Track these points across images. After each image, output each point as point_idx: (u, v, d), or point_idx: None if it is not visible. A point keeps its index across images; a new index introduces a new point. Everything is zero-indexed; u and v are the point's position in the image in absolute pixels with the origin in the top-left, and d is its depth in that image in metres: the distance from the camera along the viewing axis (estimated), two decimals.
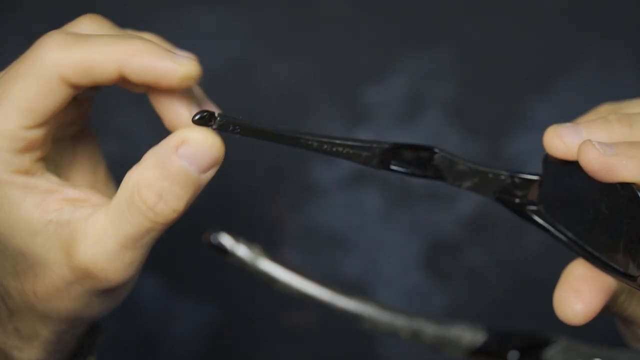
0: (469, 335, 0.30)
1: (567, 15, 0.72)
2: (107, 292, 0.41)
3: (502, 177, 0.41)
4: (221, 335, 0.77)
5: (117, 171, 0.77)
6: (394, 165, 0.41)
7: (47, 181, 0.41)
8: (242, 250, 0.33)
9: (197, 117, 0.38)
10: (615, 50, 0.72)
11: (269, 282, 0.32)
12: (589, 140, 0.38)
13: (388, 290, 0.76)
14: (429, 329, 0.31)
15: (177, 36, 0.75)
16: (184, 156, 0.39)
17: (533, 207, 0.41)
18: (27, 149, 0.40)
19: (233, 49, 0.73)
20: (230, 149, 0.44)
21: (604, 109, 0.43)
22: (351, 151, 0.41)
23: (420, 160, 0.42)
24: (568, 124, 0.39)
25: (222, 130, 0.38)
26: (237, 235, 0.33)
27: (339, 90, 0.74)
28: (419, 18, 0.74)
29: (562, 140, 0.39)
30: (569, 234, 0.40)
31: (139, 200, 0.39)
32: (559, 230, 0.40)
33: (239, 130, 0.39)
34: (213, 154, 0.39)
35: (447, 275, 0.76)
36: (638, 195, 0.37)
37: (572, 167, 0.39)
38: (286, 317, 0.77)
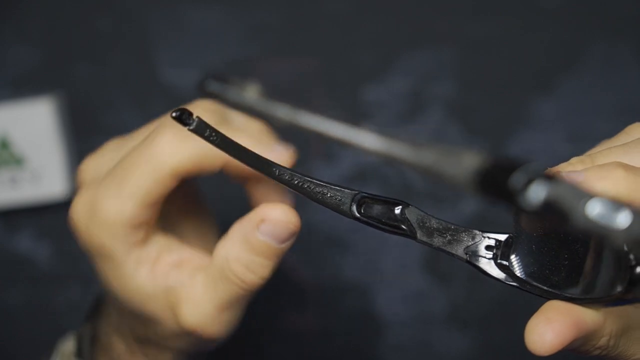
0: (472, 156, 0.28)
1: (571, 13, 0.72)
2: (205, 345, 0.48)
3: (474, 235, 0.41)
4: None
5: None
6: (363, 215, 0.41)
7: (156, 246, 0.47)
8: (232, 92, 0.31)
9: (174, 115, 0.37)
10: (619, 49, 0.72)
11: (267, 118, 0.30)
12: (559, 171, 0.39)
13: (388, 290, 0.76)
14: (431, 150, 0.28)
15: (175, 35, 0.74)
16: (264, 232, 0.44)
17: (504, 265, 0.40)
18: (141, 225, 0.46)
19: (232, 48, 0.73)
20: None
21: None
22: (326, 193, 0.40)
23: (390, 213, 0.41)
24: None
25: (197, 133, 0.37)
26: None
27: (340, 88, 0.74)
28: (420, 16, 0.73)
29: None
30: (545, 287, 0.39)
31: (230, 272, 0.44)
32: (533, 286, 0.40)
33: (214, 137, 0.38)
34: (290, 228, 0.44)
35: (448, 275, 0.75)
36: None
37: (542, 219, 0.38)
38: (285, 318, 0.77)
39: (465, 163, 0.27)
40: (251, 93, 0.29)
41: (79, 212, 0.46)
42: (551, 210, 0.27)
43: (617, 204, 0.26)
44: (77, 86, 0.75)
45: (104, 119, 0.75)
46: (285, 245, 0.45)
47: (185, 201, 0.51)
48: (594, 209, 0.27)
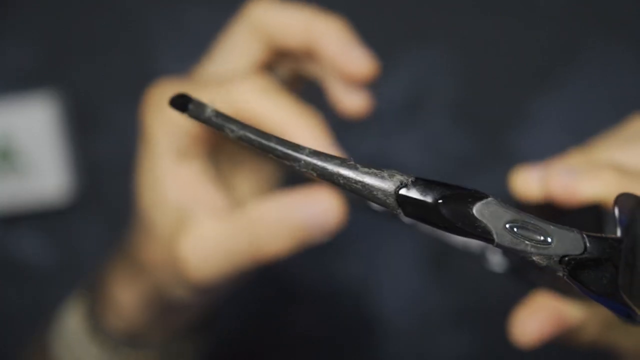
0: (399, 178, 0.29)
1: (571, 12, 0.72)
2: (185, 285, 0.45)
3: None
4: (222, 338, 0.77)
5: (117, 170, 0.77)
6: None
7: (197, 171, 0.45)
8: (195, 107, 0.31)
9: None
10: (618, 48, 0.72)
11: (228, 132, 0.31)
12: (552, 169, 0.40)
13: (388, 290, 0.76)
14: (357, 170, 0.29)
15: (175, 34, 0.74)
16: (306, 210, 0.43)
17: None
18: (196, 139, 0.44)
19: None
20: None
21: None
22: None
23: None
24: (534, 166, 0.42)
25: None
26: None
27: None
28: (419, 15, 0.73)
29: (526, 178, 0.41)
30: (540, 283, 0.40)
31: (251, 229, 0.43)
32: (531, 283, 0.41)
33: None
34: (326, 223, 0.43)
35: (449, 275, 0.75)
36: (600, 214, 0.38)
37: (540, 213, 0.39)
38: (285, 318, 0.77)
39: (390, 184, 0.29)
40: (209, 109, 0.31)
41: (155, 95, 0.45)
42: (472, 229, 0.28)
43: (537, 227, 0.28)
44: (78, 85, 0.75)
45: (104, 117, 0.75)
46: (309, 237, 0.43)
47: (249, 159, 0.50)
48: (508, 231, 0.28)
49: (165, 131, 0.44)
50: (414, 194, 0.29)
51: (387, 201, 0.29)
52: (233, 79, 0.44)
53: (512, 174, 0.41)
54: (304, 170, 0.29)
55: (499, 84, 0.74)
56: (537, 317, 0.40)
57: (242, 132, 0.30)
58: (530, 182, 0.41)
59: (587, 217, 0.38)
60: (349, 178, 0.29)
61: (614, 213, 0.38)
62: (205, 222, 0.44)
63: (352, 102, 0.47)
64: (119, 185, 0.75)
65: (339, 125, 0.74)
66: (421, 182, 0.29)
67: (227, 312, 0.76)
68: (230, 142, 0.46)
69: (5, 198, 0.75)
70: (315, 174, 0.29)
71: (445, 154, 0.74)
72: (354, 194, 0.29)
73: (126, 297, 0.49)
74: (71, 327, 0.52)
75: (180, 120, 0.44)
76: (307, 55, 0.48)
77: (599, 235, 0.28)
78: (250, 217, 0.43)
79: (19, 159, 0.74)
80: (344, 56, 0.46)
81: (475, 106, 0.74)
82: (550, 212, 0.39)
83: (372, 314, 0.76)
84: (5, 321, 0.78)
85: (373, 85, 0.48)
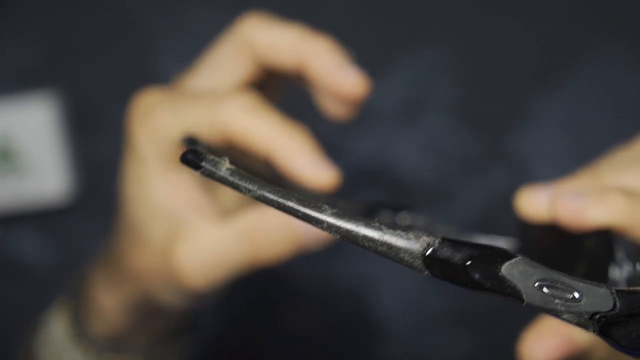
0: (425, 239, 0.29)
1: (571, 12, 0.72)
2: (179, 292, 0.45)
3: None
4: (220, 339, 0.77)
5: (117, 169, 0.77)
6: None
7: (180, 178, 0.45)
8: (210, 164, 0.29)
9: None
10: (618, 47, 0.72)
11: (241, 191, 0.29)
12: (559, 192, 0.39)
13: (387, 290, 0.76)
14: (382, 231, 0.29)
15: (176, 34, 0.74)
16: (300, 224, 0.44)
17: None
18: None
19: None
20: None
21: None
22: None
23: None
24: (541, 187, 0.41)
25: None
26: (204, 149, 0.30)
27: None
28: (419, 15, 0.73)
29: (533, 200, 0.41)
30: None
31: (251, 234, 0.43)
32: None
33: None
34: (317, 241, 0.45)
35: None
36: (610, 239, 0.37)
37: (546, 233, 0.39)
38: (284, 318, 0.77)
39: (417, 245, 0.29)
40: (225, 166, 0.29)
41: (140, 103, 0.45)
42: (502, 290, 0.28)
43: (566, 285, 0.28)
44: (78, 85, 0.75)
45: (104, 117, 0.75)
46: (306, 244, 0.44)
47: None
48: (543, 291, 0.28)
49: (152, 140, 0.44)
50: (441, 255, 0.29)
51: (414, 263, 0.29)
52: (221, 96, 0.44)
53: (518, 194, 0.41)
54: (328, 231, 0.28)
55: (499, 84, 0.73)
56: (547, 340, 0.40)
57: (260, 192, 0.28)
58: (536, 204, 0.40)
59: (597, 240, 0.38)
60: (374, 240, 0.29)
61: (625, 239, 0.37)
62: (201, 229, 0.44)
63: (341, 111, 0.48)
64: (119, 186, 0.75)
65: (339, 124, 0.74)
66: (448, 243, 0.29)
67: (223, 313, 0.76)
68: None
69: (5, 198, 0.74)
70: (339, 236, 0.28)
71: (445, 154, 0.74)
72: (379, 255, 0.29)
73: (110, 302, 0.49)
74: (56, 333, 0.52)
75: (167, 129, 0.44)
76: (296, 74, 0.47)
77: (628, 289, 0.28)
78: (251, 222, 0.43)
79: (19, 159, 0.74)
80: (335, 77, 0.46)
81: (475, 106, 0.74)
82: (558, 234, 0.39)
83: (371, 314, 0.76)
84: (5, 321, 0.78)
85: (368, 93, 0.48)
